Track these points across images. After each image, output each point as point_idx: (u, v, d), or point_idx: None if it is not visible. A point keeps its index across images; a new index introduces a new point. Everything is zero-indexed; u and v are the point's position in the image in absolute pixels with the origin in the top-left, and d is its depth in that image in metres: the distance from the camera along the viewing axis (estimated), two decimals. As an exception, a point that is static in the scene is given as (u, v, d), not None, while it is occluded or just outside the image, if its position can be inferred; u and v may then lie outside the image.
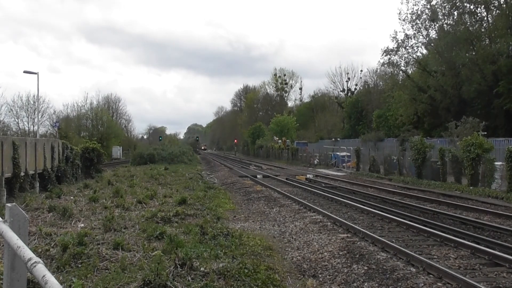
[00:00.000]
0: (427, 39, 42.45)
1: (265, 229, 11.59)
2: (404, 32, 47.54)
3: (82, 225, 10.65)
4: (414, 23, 41.80)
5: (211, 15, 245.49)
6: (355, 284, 6.92)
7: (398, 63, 43.80)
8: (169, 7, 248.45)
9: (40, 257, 3.85)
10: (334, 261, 8.15)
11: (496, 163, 19.25)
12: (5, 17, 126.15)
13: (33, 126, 50.08)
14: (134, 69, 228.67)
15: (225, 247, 8.46)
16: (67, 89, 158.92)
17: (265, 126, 75.51)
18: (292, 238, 10.47)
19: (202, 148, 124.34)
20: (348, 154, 37.51)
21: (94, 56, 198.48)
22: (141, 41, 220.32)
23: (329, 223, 11.58)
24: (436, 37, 41.10)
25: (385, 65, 45.72)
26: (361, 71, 67.82)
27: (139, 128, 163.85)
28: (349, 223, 11.03)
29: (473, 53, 37.03)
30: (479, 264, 7.53)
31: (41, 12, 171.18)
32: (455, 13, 39.68)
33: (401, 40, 42.61)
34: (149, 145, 70.13)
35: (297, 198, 16.41)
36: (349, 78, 69.88)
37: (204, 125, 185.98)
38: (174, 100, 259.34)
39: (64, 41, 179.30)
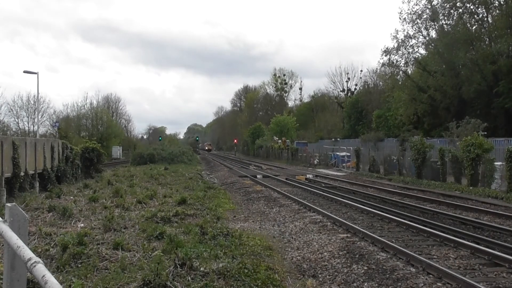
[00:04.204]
0: (427, 39, 42.52)
1: (265, 229, 11.59)
2: (405, 31, 47.54)
3: (82, 225, 10.65)
4: (414, 23, 41.88)
5: (209, 14, 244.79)
6: (355, 284, 6.92)
7: (398, 63, 43.88)
8: (166, 6, 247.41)
9: (40, 257, 3.85)
10: (334, 261, 8.15)
11: (496, 163, 19.26)
12: (0, 16, 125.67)
13: (33, 126, 50.18)
14: (133, 69, 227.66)
15: (225, 247, 8.45)
16: (65, 88, 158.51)
17: (265, 126, 75.51)
18: (292, 238, 10.47)
19: (206, 148, 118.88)
20: (348, 154, 37.51)
21: (92, 56, 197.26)
22: (139, 40, 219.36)
23: (329, 223, 11.58)
24: (436, 37, 41.12)
25: (385, 66, 45.79)
26: (361, 71, 67.95)
27: (139, 128, 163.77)
28: (349, 223, 11.03)
29: (473, 53, 37.04)
30: (479, 264, 7.53)
31: (37, 10, 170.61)
32: (455, 13, 39.72)
33: (402, 39, 42.69)
34: (149, 145, 70.26)
35: (297, 198, 16.41)
36: (349, 78, 69.98)
37: (204, 125, 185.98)
38: (173, 100, 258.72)
39: (61, 40, 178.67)
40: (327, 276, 7.47)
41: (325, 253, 8.70)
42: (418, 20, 41.64)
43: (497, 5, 37.17)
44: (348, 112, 59.89)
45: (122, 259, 7.22)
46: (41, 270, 2.18)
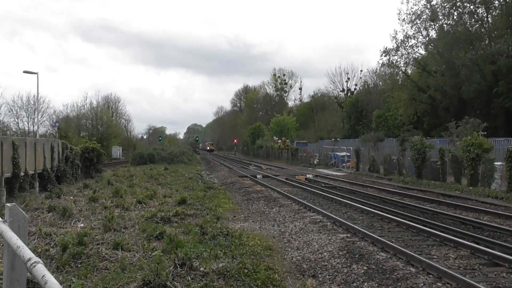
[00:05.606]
0: (427, 39, 42.50)
1: (264, 229, 11.59)
2: (404, 32, 47.55)
3: (82, 225, 10.65)
4: (413, 23, 41.86)
5: (209, 13, 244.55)
6: (354, 284, 6.92)
7: (398, 63, 43.86)
8: (165, 5, 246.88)
9: (40, 257, 3.85)
10: (334, 261, 8.15)
11: (496, 163, 19.25)
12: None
13: (33, 126, 50.16)
14: (132, 68, 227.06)
15: (225, 247, 8.46)
16: (65, 88, 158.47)
17: (265, 126, 75.53)
18: (292, 238, 10.47)
19: (208, 148, 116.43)
20: (348, 154, 37.52)
21: (91, 55, 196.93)
22: (139, 40, 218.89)
23: (328, 223, 11.58)
24: (436, 37, 41.10)
25: (385, 66, 45.81)
26: (361, 71, 67.92)
27: (138, 128, 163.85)
28: (348, 223, 11.03)
29: (473, 53, 37.04)
30: (478, 264, 7.53)
31: (36, 10, 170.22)
32: (455, 13, 39.72)
33: (401, 40, 42.68)
34: (149, 145, 70.25)
35: (297, 198, 16.41)
36: (348, 78, 69.97)
37: (204, 125, 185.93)
38: (173, 100, 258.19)
39: (60, 40, 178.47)
40: (327, 276, 7.47)
41: (325, 253, 8.70)
42: (417, 21, 41.66)
43: (497, 5, 37.16)
44: (348, 112, 59.88)
45: (122, 259, 7.22)
46: (41, 270, 2.18)
